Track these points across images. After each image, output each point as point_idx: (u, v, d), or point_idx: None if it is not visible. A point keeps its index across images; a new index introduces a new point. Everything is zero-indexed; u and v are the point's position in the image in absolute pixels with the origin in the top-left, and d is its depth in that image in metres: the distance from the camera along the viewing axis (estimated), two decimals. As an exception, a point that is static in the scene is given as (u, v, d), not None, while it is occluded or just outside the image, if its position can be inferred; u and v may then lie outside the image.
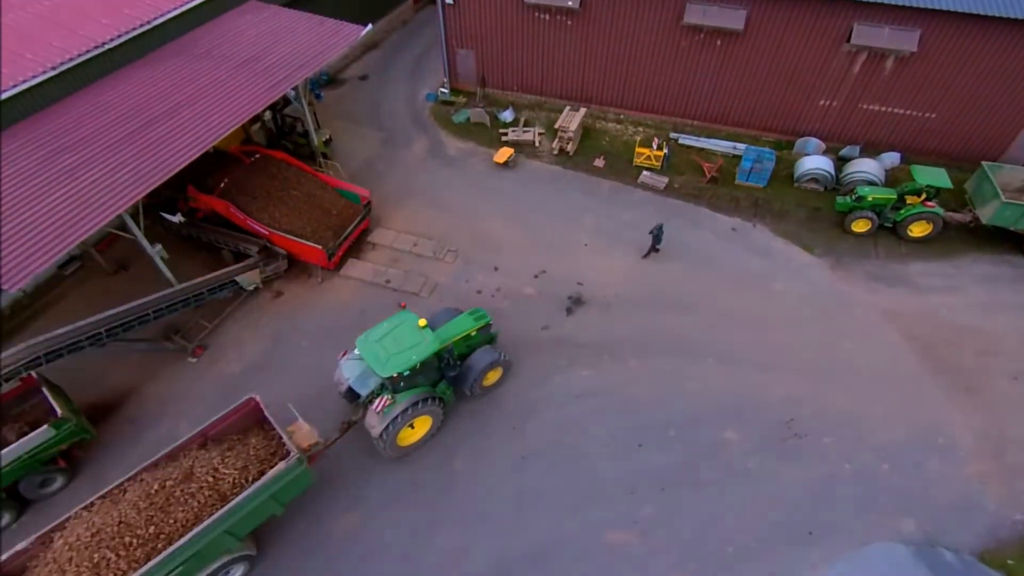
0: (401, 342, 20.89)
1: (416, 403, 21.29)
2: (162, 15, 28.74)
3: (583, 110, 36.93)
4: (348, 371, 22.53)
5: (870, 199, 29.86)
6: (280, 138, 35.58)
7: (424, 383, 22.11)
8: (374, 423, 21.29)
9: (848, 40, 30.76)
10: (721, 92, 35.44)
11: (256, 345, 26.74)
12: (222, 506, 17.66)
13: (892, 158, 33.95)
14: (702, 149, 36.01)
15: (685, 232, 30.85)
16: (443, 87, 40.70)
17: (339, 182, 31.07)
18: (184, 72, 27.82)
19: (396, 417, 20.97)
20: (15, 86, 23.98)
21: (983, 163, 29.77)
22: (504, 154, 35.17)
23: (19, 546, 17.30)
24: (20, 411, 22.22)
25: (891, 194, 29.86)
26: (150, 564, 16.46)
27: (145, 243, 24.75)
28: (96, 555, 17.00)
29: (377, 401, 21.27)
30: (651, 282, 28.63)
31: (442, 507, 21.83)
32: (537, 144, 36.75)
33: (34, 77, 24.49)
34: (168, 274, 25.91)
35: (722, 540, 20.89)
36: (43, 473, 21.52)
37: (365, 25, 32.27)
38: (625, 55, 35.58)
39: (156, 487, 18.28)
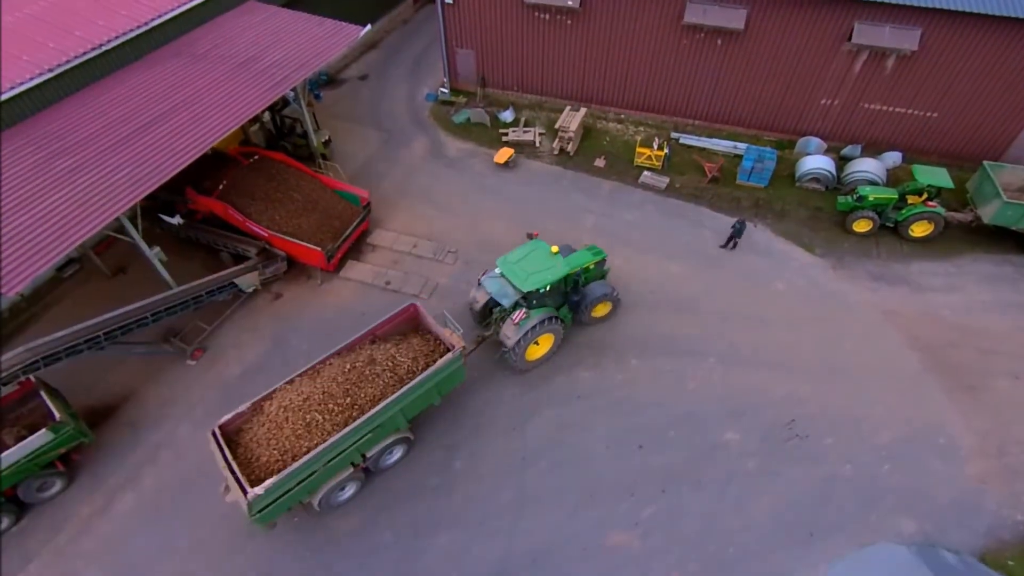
0: (537, 264, 23.82)
1: (544, 320, 24.04)
2: (159, 16, 28.80)
3: (583, 110, 37.00)
4: (489, 286, 24.69)
5: (871, 199, 29.87)
6: (279, 139, 35.63)
7: (551, 305, 24.94)
8: (510, 334, 23.99)
9: (849, 39, 30.77)
10: (722, 92, 35.47)
11: (255, 347, 26.80)
12: (401, 387, 20.90)
13: (894, 157, 33.97)
14: (703, 149, 36.05)
15: (686, 232, 30.89)
16: (443, 87, 40.76)
17: (338, 183, 31.13)
18: (182, 74, 27.87)
19: (530, 329, 23.75)
20: (11, 88, 24.03)
21: (984, 162, 29.82)
22: (504, 154, 35.21)
23: (238, 409, 20.63)
24: (18, 415, 22.29)
25: (892, 194, 29.88)
26: (349, 428, 19.67)
27: (143, 246, 24.81)
28: (307, 416, 20.24)
29: (516, 313, 23.90)
30: (652, 282, 28.66)
31: (442, 508, 21.90)
32: (537, 144, 36.80)
33: (30, 79, 24.53)
34: (166, 276, 25.97)
35: (723, 541, 20.94)
36: (41, 477, 21.57)
37: (364, 25, 32.31)
38: (625, 55, 35.62)
39: (348, 367, 21.50)
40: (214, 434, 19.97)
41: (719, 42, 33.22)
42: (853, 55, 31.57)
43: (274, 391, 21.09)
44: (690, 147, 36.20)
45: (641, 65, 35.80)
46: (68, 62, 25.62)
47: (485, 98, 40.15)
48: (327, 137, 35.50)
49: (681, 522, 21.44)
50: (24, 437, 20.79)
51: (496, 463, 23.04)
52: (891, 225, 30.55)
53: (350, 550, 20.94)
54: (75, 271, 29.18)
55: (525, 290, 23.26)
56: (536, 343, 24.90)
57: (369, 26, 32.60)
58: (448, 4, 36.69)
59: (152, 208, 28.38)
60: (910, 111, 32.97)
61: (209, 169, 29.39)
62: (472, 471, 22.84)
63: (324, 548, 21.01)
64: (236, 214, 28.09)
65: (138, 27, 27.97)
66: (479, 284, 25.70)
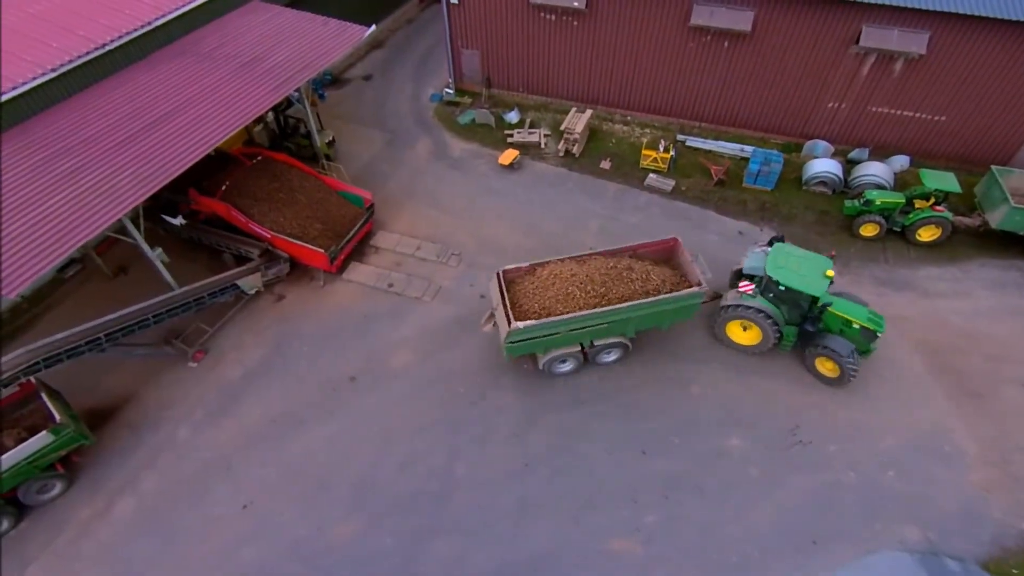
0: (802, 268, 23.68)
1: (760, 311, 24.33)
2: (163, 16, 28.92)
3: (589, 111, 36.99)
4: (750, 256, 25.87)
5: (878, 203, 29.78)
6: (283, 139, 35.73)
7: (784, 313, 24.60)
8: (729, 298, 25.01)
9: (857, 42, 30.66)
10: (728, 94, 35.39)
11: (257, 350, 26.86)
12: (646, 298, 23.31)
13: (901, 161, 33.81)
14: (709, 151, 35.94)
15: (691, 235, 30.69)
16: (448, 87, 40.80)
17: (342, 184, 31.18)
18: (186, 73, 27.95)
19: (737, 306, 24.53)
20: (14, 88, 24.15)
21: (992, 167, 29.62)
22: (509, 156, 35.20)
23: (519, 264, 24.88)
24: (18, 416, 22.40)
25: (900, 198, 29.78)
26: (596, 310, 22.85)
27: (145, 247, 24.86)
28: (569, 288, 23.72)
29: (744, 284, 24.82)
30: (656, 286, 28.56)
31: (443, 514, 21.89)
32: (543, 146, 36.79)
33: (33, 79, 24.65)
34: (168, 278, 26.00)
35: (725, 548, 20.90)
36: (41, 479, 21.67)
37: (369, 25, 32.34)
38: (632, 56, 35.56)
39: (611, 264, 24.36)
40: (498, 275, 24.51)
41: (726, 44, 33.14)
42: (861, 58, 31.46)
43: (547, 261, 24.88)
44: (696, 149, 36.09)
45: (647, 66, 35.74)
46: (71, 61, 25.73)
47: (490, 99, 40.14)
48: (331, 138, 35.59)
49: (683, 529, 21.39)
50: (24, 439, 20.91)
51: (497, 469, 23.02)
52: (898, 230, 30.43)
53: (349, 555, 20.95)
54: (76, 271, 29.32)
55: (767, 272, 23.73)
56: (744, 328, 25.35)
57: (374, 26, 32.64)
58: (453, 4, 36.65)
59: (154, 208, 28.44)
60: (918, 115, 32.84)
61: (212, 169, 29.44)
62: (473, 477, 22.83)
63: (324, 554, 21.02)
64: (239, 215, 28.13)
65: (141, 26, 28.10)
66: (749, 252, 26.47)
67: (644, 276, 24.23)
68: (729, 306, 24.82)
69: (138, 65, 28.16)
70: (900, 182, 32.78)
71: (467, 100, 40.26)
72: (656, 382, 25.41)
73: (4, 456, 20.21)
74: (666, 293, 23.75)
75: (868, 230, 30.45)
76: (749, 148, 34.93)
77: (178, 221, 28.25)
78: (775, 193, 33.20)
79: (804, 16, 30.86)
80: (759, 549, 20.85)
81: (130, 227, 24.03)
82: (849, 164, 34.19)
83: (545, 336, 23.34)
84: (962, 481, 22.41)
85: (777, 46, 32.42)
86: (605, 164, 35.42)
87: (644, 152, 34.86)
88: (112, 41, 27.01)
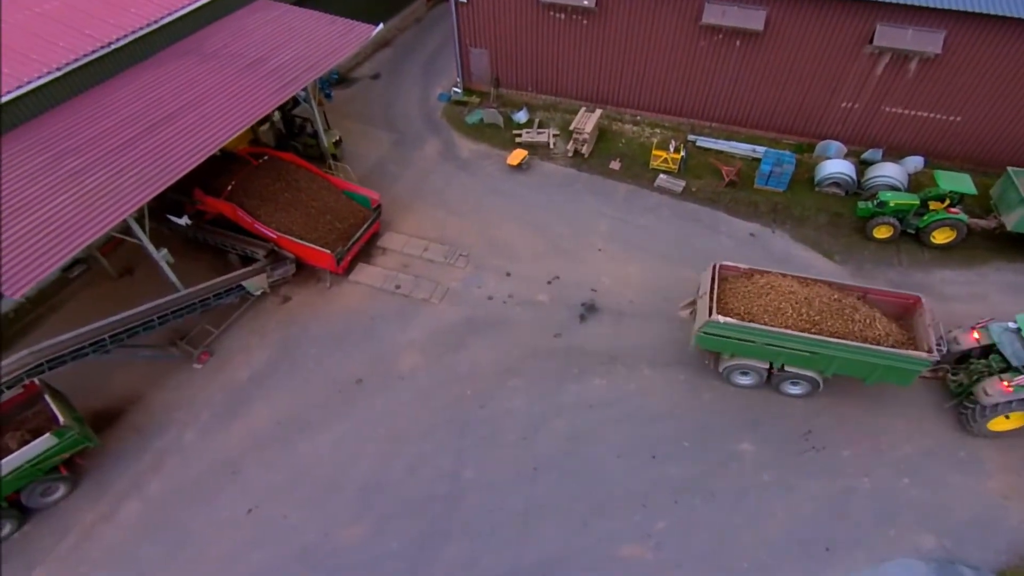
0: None
1: None
2: (169, 14, 28.88)
3: (599, 111, 36.85)
4: (1000, 336, 23.32)
5: (892, 204, 29.58)
6: (289, 139, 35.64)
7: None
8: (992, 392, 22.28)
9: (871, 41, 30.47)
10: (740, 94, 35.23)
11: (263, 351, 26.81)
12: (859, 343, 22.08)
13: (915, 162, 33.62)
14: (720, 152, 35.78)
15: (702, 237, 30.68)
16: (456, 87, 40.70)
17: (349, 185, 31.11)
18: (192, 73, 27.90)
19: (1015, 401, 22.05)
20: (19, 87, 24.13)
21: (1009, 168, 29.35)
22: (518, 156, 35.11)
23: (738, 264, 24.58)
24: (22, 418, 22.34)
25: (914, 199, 29.57)
26: (802, 335, 22.15)
27: (150, 247, 24.83)
28: (782, 304, 23.18)
29: (1021, 377, 21.94)
30: (666, 289, 28.33)
31: (451, 518, 21.81)
32: (552, 146, 36.68)
33: (39, 78, 24.62)
34: (174, 278, 25.97)
35: (736, 555, 20.78)
36: (45, 482, 21.61)
37: (376, 24, 32.27)
38: (642, 55, 35.43)
39: (836, 296, 23.39)
40: (714, 267, 24.31)
41: (738, 43, 32.98)
42: (875, 57, 31.26)
43: (768, 272, 24.46)
44: (707, 150, 35.94)
45: (658, 66, 35.60)
46: (77, 61, 25.69)
47: (499, 98, 40.05)
48: (338, 137, 35.46)
49: (694, 535, 21.28)
50: (28, 441, 20.81)
51: (506, 472, 22.93)
52: (912, 232, 30.24)
53: (357, 560, 20.89)
54: (81, 272, 29.29)
55: None
56: (1007, 416, 22.88)
57: (381, 25, 32.55)
58: (462, 3, 36.58)
59: (159, 208, 28.35)
60: (933, 115, 32.62)
61: (218, 169, 29.37)
62: (482, 480, 22.74)
63: (331, 558, 20.95)
64: (245, 215, 28.07)
65: (148, 25, 28.07)
66: (975, 326, 24.23)
67: (868, 321, 22.88)
68: (999, 404, 22.20)
69: (144, 64, 28.13)
70: (914, 183, 32.59)
71: (475, 100, 40.18)
72: (667, 386, 25.29)
73: (7, 459, 20.15)
74: (887, 347, 22.24)
75: (882, 232, 30.25)
76: (761, 148, 34.76)
77: (184, 221, 28.17)
78: (787, 194, 33.02)
79: (817, 15, 30.67)
80: (771, 556, 20.73)
81: (135, 227, 24.01)
82: (862, 165, 33.98)
83: (738, 340, 22.98)
84: (978, 488, 22.26)
85: (790, 45, 32.24)
86: (615, 165, 35.28)
87: (654, 152, 34.70)
88: (118, 40, 26.98)
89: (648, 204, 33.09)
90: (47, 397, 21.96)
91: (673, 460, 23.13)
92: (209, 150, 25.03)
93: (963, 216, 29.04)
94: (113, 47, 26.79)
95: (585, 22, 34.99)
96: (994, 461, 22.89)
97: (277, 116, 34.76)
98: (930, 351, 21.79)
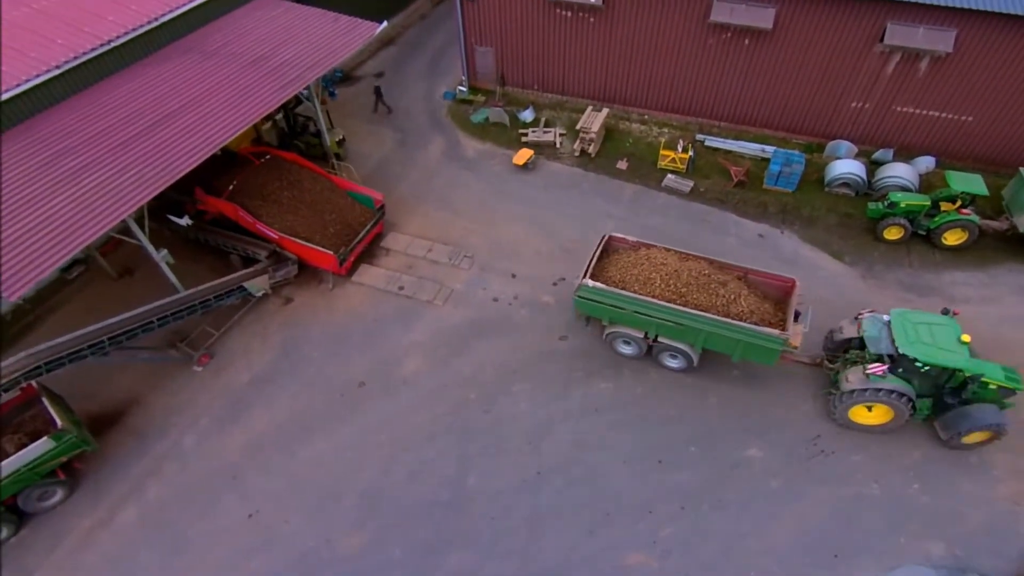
0: (935, 338, 21.73)
1: (894, 393, 22.04)
2: (170, 12, 28.60)
3: (606, 110, 36.55)
4: (869, 327, 23.41)
5: (903, 205, 29.21)
6: (292, 138, 35.47)
7: (915, 385, 22.28)
8: (852, 380, 22.56)
9: (881, 40, 30.11)
10: (749, 93, 34.90)
11: (265, 354, 26.60)
12: (717, 316, 22.94)
13: (927, 163, 33.21)
14: (729, 152, 35.46)
15: (710, 239, 30.34)
16: (461, 85, 40.46)
17: (352, 184, 30.89)
18: (193, 71, 27.68)
19: (873, 390, 22.13)
20: (18, 85, 23.90)
21: (1021, 169, 29.09)
22: (523, 156, 34.83)
23: (628, 236, 26.01)
24: (20, 421, 22.15)
25: (925, 200, 29.21)
26: (659, 302, 23.26)
27: (150, 248, 24.62)
28: (653, 274, 24.26)
29: (875, 366, 22.18)
30: (673, 291, 28.12)
31: (454, 525, 21.57)
32: (558, 145, 36.39)
33: (37, 76, 24.40)
34: (174, 280, 25.77)
35: (744, 563, 20.51)
36: (42, 486, 21.41)
37: (381, 21, 32.04)
38: (650, 54, 35.13)
39: (707, 272, 24.22)
40: (603, 237, 25.82)
41: (746, 42, 32.64)
42: (885, 56, 30.89)
43: (653, 245, 25.50)
44: (715, 150, 35.62)
45: (666, 64, 35.29)
46: (76, 59, 25.47)
47: (504, 97, 39.75)
48: (341, 136, 35.30)
49: (701, 542, 20.99)
50: (25, 445, 20.61)
51: (511, 479, 22.66)
52: (923, 233, 29.86)
53: (358, 568, 20.65)
54: (80, 272, 29.15)
55: (905, 352, 21.43)
56: (870, 408, 22.99)
57: (385, 22, 32.36)
58: (467, 0, 36.29)
59: (160, 208, 28.16)
60: (944, 115, 32.25)
61: (219, 169, 29.21)
62: (486, 487, 22.48)
63: (333, 566, 20.74)
64: (246, 215, 27.87)
65: (148, 23, 27.80)
66: (856, 319, 24.32)
67: (733, 297, 23.62)
68: (855, 391, 22.39)
69: (144, 62, 27.88)
70: (925, 184, 32.21)
71: (481, 98, 39.91)
72: (674, 390, 25.02)
73: (4, 462, 19.93)
74: (746, 321, 22.93)
75: (892, 233, 29.89)
76: (770, 148, 34.40)
77: (184, 222, 28.00)
78: (796, 195, 32.69)
79: (827, 13, 30.32)
80: (779, 563, 20.46)
81: (135, 228, 23.80)
82: (873, 165, 33.61)
83: (611, 306, 23.87)
84: (990, 495, 21.94)
85: (799, 44, 31.88)
86: (622, 164, 34.98)
87: (662, 152, 34.40)
88: (118, 38, 26.74)
89: (655, 204, 32.79)
90: (45, 400, 21.74)
91: (680, 466, 22.86)
92: (210, 149, 24.83)
93: (975, 217, 28.64)
94: (113, 45, 26.54)
95: (592, 20, 34.68)
96: (1005, 467, 22.55)
97: (280, 115, 34.56)
98: (783, 329, 22.61)
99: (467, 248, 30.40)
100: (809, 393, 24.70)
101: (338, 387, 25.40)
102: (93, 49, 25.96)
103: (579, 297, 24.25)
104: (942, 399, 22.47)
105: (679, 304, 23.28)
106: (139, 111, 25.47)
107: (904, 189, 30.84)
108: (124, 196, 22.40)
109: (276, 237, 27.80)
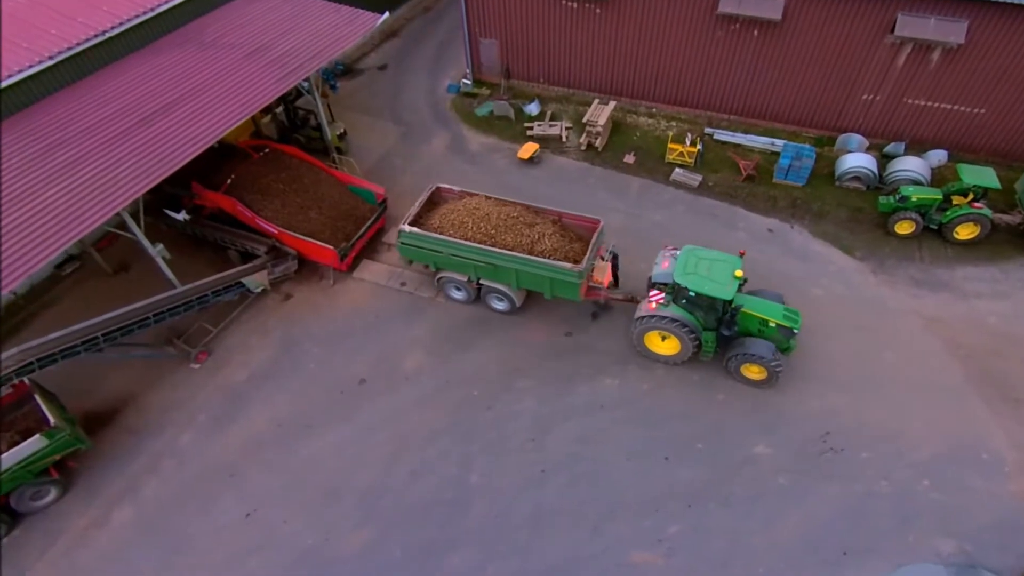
0: (711, 271, 22.93)
1: (678, 322, 23.65)
2: (166, 2, 28.62)
3: (613, 103, 36.50)
4: (658, 260, 25.54)
5: (914, 199, 29.04)
6: (292, 131, 35.49)
7: (700, 319, 23.90)
8: (641, 309, 24.42)
9: (892, 31, 29.95)
10: (758, 85, 34.79)
11: (263, 351, 26.59)
12: (520, 254, 24.77)
13: (939, 156, 33.05)
14: (738, 145, 35.36)
15: (719, 233, 30.21)
16: (465, 78, 40.40)
17: (354, 179, 30.90)
18: (190, 62, 27.69)
19: (655, 316, 23.84)
20: (10, 76, 23.93)
21: (1036, 161, 28.91)
22: (529, 149, 34.79)
23: (454, 187, 27.99)
24: (12, 419, 22.10)
25: (936, 194, 29.03)
26: (466, 243, 25.08)
27: (146, 243, 24.59)
28: (467, 218, 25.90)
29: (655, 294, 24.38)
30: (680, 286, 28.05)
31: (456, 524, 21.52)
32: (564, 139, 36.32)
33: (30, 67, 24.43)
34: (170, 275, 25.75)
35: (752, 561, 20.44)
36: (35, 485, 21.39)
37: (383, 12, 31.98)
38: (657, 46, 35.04)
39: (517, 216, 25.93)
40: (432, 187, 27.83)
41: (755, 33, 32.53)
42: (896, 48, 30.75)
43: (475, 194, 27.20)
44: (724, 143, 35.52)
45: (673, 56, 35.20)
46: (69, 49, 25.49)
47: (509, 90, 39.67)
48: (342, 130, 35.30)
49: (708, 540, 20.92)
50: (17, 443, 20.60)
51: (514, 477, 22.61)
52: (935, 227, 29.68)
53: (358, 568, 20.60)
54: (75, 268, 29.17)
55: (675, 279, 23.01)
56: (663, 338, 24.72)
57: (387, 14, 32.27)
58: (470, -10, 36.30)
59: (156, 203, 28.18)
60: (956, 107, 32.09)
61: (217, 162, 29.20)
62: (488, 485, 22.43)
63: (332, 566, 20.70)
64: (245, 210, 27.83)
65: (143, 13, 27.82)
66: (668, 253, 25.87)
67: (538, 237, 25.34)
68: (642, 317, 24.13)
69: (139, 53, 27.91)
70: (937, 177, 32.06)
71: (485, 91, 39.85)
72: (680, 386, 24.92)
73: None
74: (548, 258, 24.66)
75: (904, 228, 29.73)
76: (780, 142, 34.29)
77: (181, 216, 28.01)
78: (807, 189, 32.56)
79: (837, 4, 30.19)
80: (787, 561, 20.37)
81: (130, 222, 23.79)
82: (884, 159, 33.48)
83: (430, 250, 25.84)
84: (1000, 491, 21.82)
85: (809, 35, 31.77)
86: (629, 158, 34.89)
87: (670, 146, 34.28)
88: (113, 28, 26.77)
89: (663, 199, 32.70)
90: (37, 397, 21.73)
91: (686, 463, 22.77)
92: (207, 142, 24.80)
93: (987, 211, 28.44)
94: (108, 35, 26.56)
95: (598, 11, 34.59)
96: (1016, 463, 22.41)
97: (279, 108, 34.56)
98: (577, 263, 24.54)
99: (470, 243, 30.32)
100: (818, 391, 24.53)
101: (338, 384, 25.37)
102: (87, 39, 25.99)
103: (402, 243, 26.21)
104: (723, 335, 23.61)
105: (488, 245, 24.96)
106: (135, 103, 25.49)
107: (915, 183, 30.72)
108: (119, 189, 22.39)
109: (275, 232, 27.75)
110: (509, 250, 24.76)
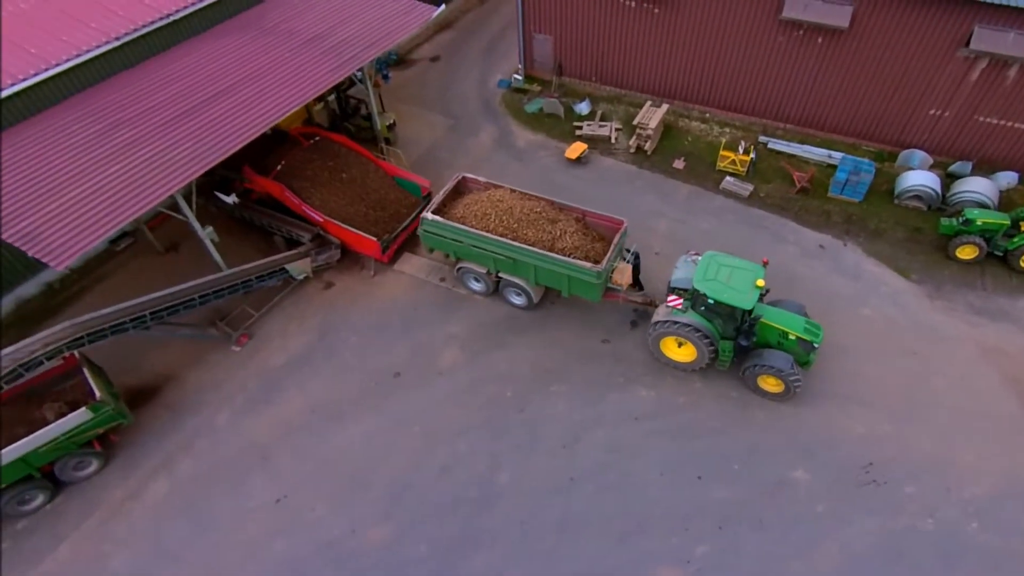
0: (731, 279, 22.85)
1: (694, 328, 23.53)
2: (230, -14, 29.32)
3: (665, 106, 36.28)
4: (680, 265, 25.71)
5: (979, 223, 28.26)
6: (342, 120, 36.02)
7: (718, 327, 23.78)
8: (660, 313, 24.45)
9: (967, 44, 29.22)
10: (819, 94, 34.26)
11: (302, 337, 27.13)
12: (541, 250, 24.91)
13: (1009, 178, 32.11)
14: (793, 156, 34.85)
15: (767, 247, 29.84)
16: (517, 73, 40.53)
17: (400, 171, 31.26)
18: (249, 47, 28.38)
19: (672, 322, 23.84)
20: (78, 55, 24.81)
21: (1112, 190, 28.00)
22: (576, 149, 34.81)
23: (480, 177, 28.19)
24: (60, 390, 23.02)
25: (1004, 219, 28.22)
26: (488, 235, 25.30)
27: (196, 225, 25.31)
28: (488, 209, 26.21)
29: (673, 299, 24.40)
30: (725, 298, 27.85)
31: (482, 523, 21.75)
32: (613, 140, 36.24)
33: (97, 47, 25.29)
34: (217, 258, 26.48)
35: (782, 588, 20.19)
36: (79, 456, 22.20)
37: (439, 5, 32.28)
38: (715, 49, 34.77)
39: (540, 211, 26.18)
40: (457, 177, 28.09)
41: (819, 40, 32.06)
42: (970, 62, 30.01)
43: (501, 186, 27.57)
44: (779, 153, 35.04)
45: (731, 61, 34.88)
46: (136, 31, 26.30)
47: (560, 87, 39.73)
48: (392, 121, 35.66)
49: (738, 564, 20.74)
50: (65, 413, 21.41)
51: (542, 481, 22.73)
52: (1000, 254, 28.88)
53: (382, 561, 20.96)
54: (128, 245, 30.12)
55: (694, 285, 22.96)
56: (679, 344, 24.75)
57: (443, 6, 32.67)
58: (528, -15, 36.40)
59: (208, 185, 28.89)
60: (1031, 127, 31.24)
61: (268, 147, 29.82)
62: (516, 487, 22.61)
63: (356, 557, 21.07)
64: (292, 197, 28.38)
65: (208, -3, 28.54)
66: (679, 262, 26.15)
67: (559, 233, 25.60)
68: (659, 322, 24.17)
69: (201, 37, 28.72)
70: (1005, 201, 31.13)
71: (536, 88, 39.94)
72: (718, 401, 24.76)
73: (43, 430, 20.69)
74: (569, 257, 24.84)
75: (965, 252, 29.00)
76: (837, 155, 33.74)
77: (231, 199, 28.68)
78: (863, 205, 31.98)
79: (909, 13, 29.58)
80: (819, 593, 20.08)
81: (182, 204, 24.50)
82: (948, 178, 32.70)
83: (452, 240, 26.15)
84: (1055, 536, 21.18)
85: (876, 45, 31.17)
86: (678, 164, 34.70)
87: (722, 153, 33.99)
88: (177, 11, 27.55)
89: (711, 207, 32.46)
90: (85, 371, 22.48)
91: (720, 482, 22.62)
92: (262, 127, 25.46)
93: (1059, 241, 27.72)
94: (172, 19, 27.33)
95: (656, 11, 34.43)
96: (1072, 508, 21.78)
97: (332, 96, 35.08)
98: (596, 263, 24.70)
99: (513, 241, 30.50)
100: (862, 416, 24.16)
101: (373, 375, 25.80)
102: (152, 22, 26.81)
103: (424, 231, 26.64)
104: (740, 345, 23.53)
105: (510, 239, 25.12)
106: (194, 86, 26.25)
107: (981, 205, 29.91)
108: (174, 171, 23.13)
109: (321, 220, 28.28)
110: (529, 245, 24.99)
